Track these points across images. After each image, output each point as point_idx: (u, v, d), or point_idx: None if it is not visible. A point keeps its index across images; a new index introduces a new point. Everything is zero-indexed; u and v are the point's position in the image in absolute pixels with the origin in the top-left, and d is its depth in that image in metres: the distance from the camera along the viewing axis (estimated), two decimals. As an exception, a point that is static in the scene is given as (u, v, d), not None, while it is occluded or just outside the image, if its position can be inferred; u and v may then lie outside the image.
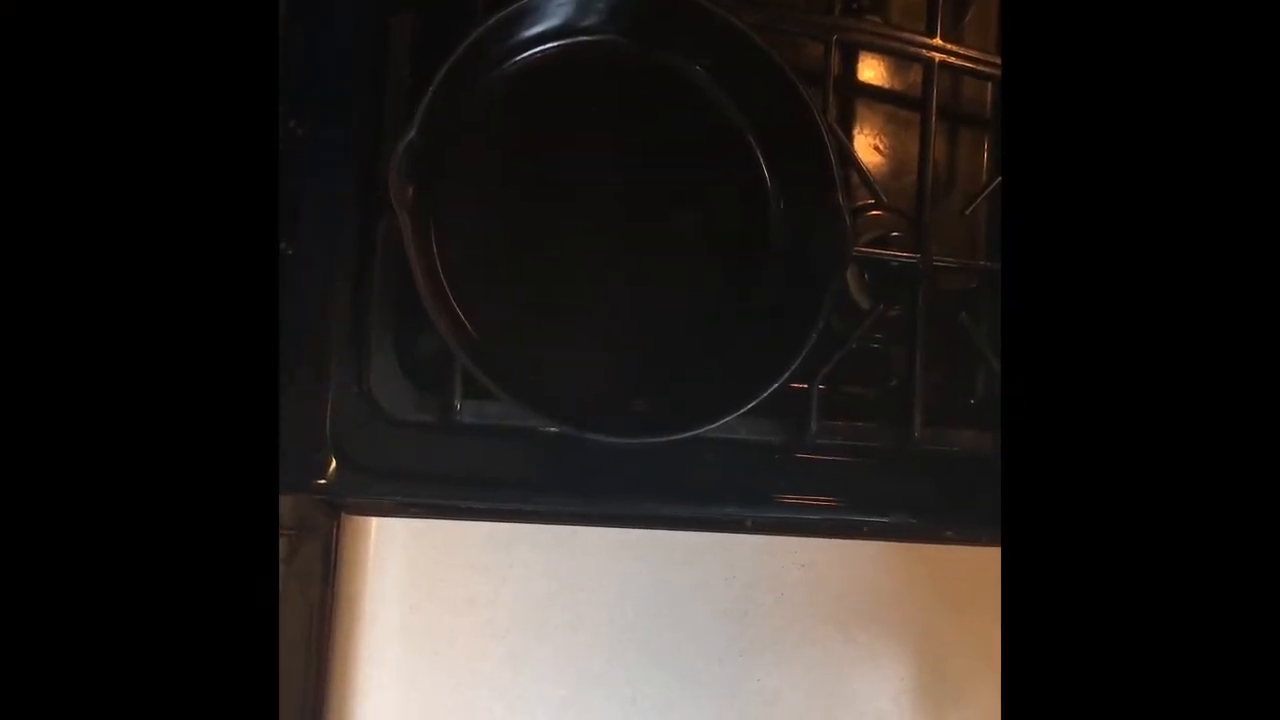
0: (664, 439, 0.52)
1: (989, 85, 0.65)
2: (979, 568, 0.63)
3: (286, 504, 0.56)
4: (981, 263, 0.62)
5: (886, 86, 0.64)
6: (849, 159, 0.59)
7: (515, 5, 0.50)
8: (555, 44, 0.54)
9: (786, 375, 0.53)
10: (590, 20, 0.54)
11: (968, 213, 0.62)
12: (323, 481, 0.52)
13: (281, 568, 0.55)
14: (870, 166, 0.61)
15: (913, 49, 0.60)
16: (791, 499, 0.59)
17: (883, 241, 0.60)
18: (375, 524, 0.54)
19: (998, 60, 0.61)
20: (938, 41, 0.60)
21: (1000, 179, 0.61)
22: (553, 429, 0.53)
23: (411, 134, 0.47)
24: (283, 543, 0.56)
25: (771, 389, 0.53)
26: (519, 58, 0.53)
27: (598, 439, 0.52)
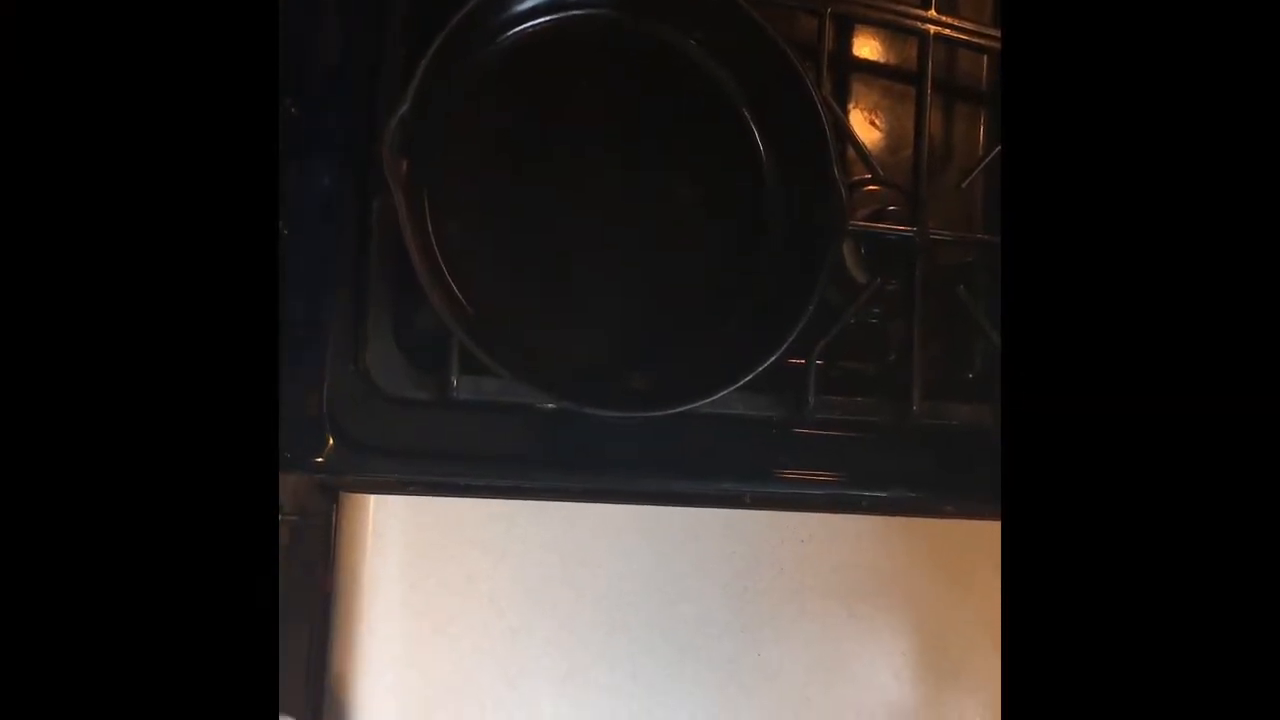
0: (661, 413, 0.52)
1: (985, 58, 0.64)
2: (978, 542, 0.63)
3: (287, 487, 0.56)
4: (978, 235, 0.62)
5: (882, 60, 0.64)
6: (844, 133, 0.59)
7: (507, -20, 0.51)
8: (547, 18, 0.54)
9: (782, 349, 0.53)
10: (582, -7, 0.54)
11: (964, 186, 0.61)
12: (320, 460, 0.52)
13: (283, 553, 0.55)
14: (866, 141, 0.61)
15: (907, 21, 0.60)
16: (790, 474, 0.59)
17: (879, 216, 0.60)
18: (374, 502, 0.54)
19: (993, 32, 0.61)
20: (932, 14, 0.60)
21: (998, 150, 0.61)
22: (550, 405, 0.53)
23: (404, 108, 0.47)
24: (284, 529, 0.56)
25: (767, 363, 0.53)
26: (511, 32, 0.53)
27: (595, 414, 0.52)
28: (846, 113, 0.62)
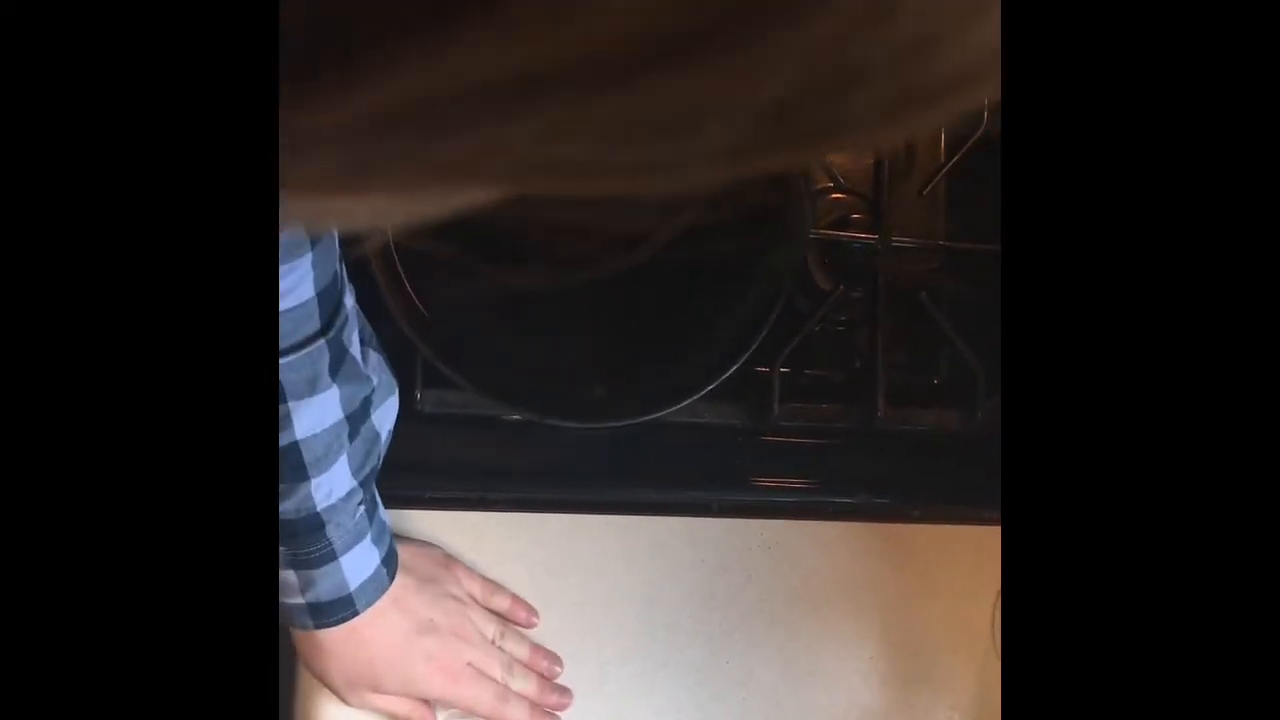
0: (624, 423, 0.53)
1: (945, 66, 0.65)
2: (944, 545, 0.63)
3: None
4: (940, 242, 0.63)
5: (843, 69, 0.64)
6: (806, 142, 0.60)
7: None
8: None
9: (744, 358, 0.53)
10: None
11: (925, 193, 0.62)
12: (287, 474, 0.52)
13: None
14: (828, 149, 0.61)
15: (867, 31, 0.60)
16: (757, 481, 0.59)
17: (842, 223, 0.61)
18: (341, 515, 0.55)
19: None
20: (892, 23, 0.60)
21: (957, 158, 0.61)
22: (515, 416, 0.54)
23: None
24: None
25: (729, 372, 0.53)
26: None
27: (559, 425, 0.53)
28: (809, 122, 0.63)
